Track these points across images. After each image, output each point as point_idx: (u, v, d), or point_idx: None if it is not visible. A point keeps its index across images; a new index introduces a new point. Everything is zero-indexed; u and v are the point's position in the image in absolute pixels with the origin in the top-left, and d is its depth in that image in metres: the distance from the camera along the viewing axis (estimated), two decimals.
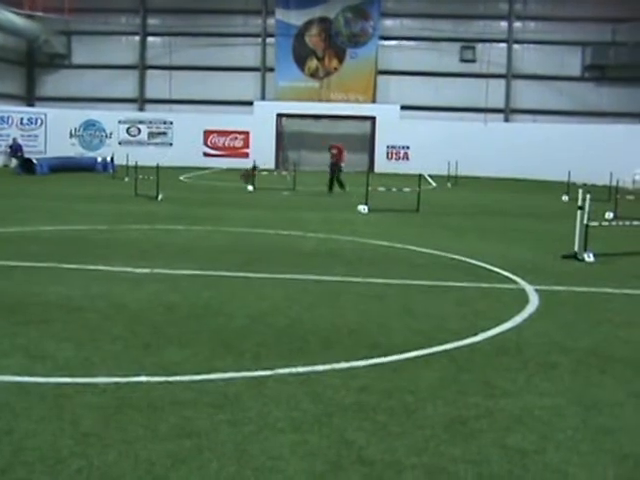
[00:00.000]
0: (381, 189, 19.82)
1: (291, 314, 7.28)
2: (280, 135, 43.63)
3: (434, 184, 31.17)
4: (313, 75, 44.18)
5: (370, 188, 18.64)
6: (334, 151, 24.79)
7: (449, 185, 30.57)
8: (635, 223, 13.23)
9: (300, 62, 44.02)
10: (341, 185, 23.91)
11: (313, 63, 44.13)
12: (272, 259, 10.63)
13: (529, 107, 42.87)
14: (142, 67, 45.73)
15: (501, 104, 43.47)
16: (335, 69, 43.99)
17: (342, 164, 24.40)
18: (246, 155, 41.95)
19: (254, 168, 24.27)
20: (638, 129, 37.35)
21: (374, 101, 43.65)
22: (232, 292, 8.24)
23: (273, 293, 8.26)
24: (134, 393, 4.89)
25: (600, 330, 7.05)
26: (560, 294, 8.78)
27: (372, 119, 42.37)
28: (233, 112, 43.34)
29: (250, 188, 24.53)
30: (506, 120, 43.41)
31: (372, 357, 5.87)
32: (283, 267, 9.93)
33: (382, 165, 41.47)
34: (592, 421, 4.69)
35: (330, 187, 24.14)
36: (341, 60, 43.90)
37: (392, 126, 41.37)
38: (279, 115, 43.08)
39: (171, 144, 43.61)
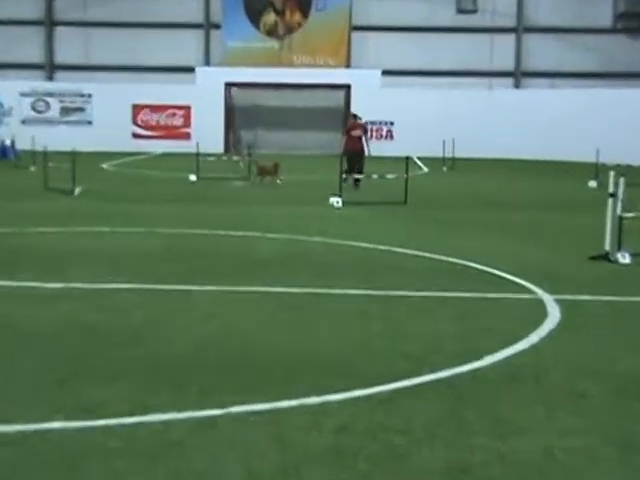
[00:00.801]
0: (358, 176, 19.87)
1: (247, 337, 7.25)
2: (230, 110, 43.58)
3: (426, 169, 31.37)
4: (270, 33, 44.22)
5: (344, 176, 18.66)
6: (358, 132, 23.11)
7: (445, 170, 30.79)
8: None
9: (254, 16, 44.05)
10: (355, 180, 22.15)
11: (270, 17, 44.19)
12: (222, 267, 10.61)
13: (545, 69, 43.29)
14: (49, 23, 45.43)
15: (510, 66, 43.86)
16: (298, 25, 44.09)
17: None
18: (187, 136, 41.89)
19: (276, 165, 23.49)
20: None
21: (348, 65, 43.80)
22: (171, 311, 8.20)
23: (224, 311, 8.23)
24: (46, 443, 4.84)
25: None
26: (587, 305, 8.87)
27: (346, 88, 42.50)
28: (169, 81, 43.25)
29: (193, 178, 24.48)
30: (516, 86, 43.81)
31: (351, 389, 5.86)
32: (236, 277, 9.91)
33: None
34: (632, 465, 4.72)
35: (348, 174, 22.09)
36: (305, 13, 44.01)
37: (372, 97, 41.52)
38: (228, 84, 43.04)
39: (90, 122, 43.35)
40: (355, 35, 43.90)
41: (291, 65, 43.41)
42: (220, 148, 41.29)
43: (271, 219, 15.73)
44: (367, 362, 6.59)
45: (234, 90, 43.68)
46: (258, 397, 5.65)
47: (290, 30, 44.06)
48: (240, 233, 13.73)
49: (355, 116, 24.25)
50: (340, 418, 5.32)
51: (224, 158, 31.63)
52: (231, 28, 43.87)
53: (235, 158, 30.84)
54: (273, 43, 44.17)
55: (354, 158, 22.30)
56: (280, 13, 44.04)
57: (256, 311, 8.26)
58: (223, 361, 6.54)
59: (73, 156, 20.16)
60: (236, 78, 42.46)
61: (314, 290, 9.32)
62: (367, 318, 8.08)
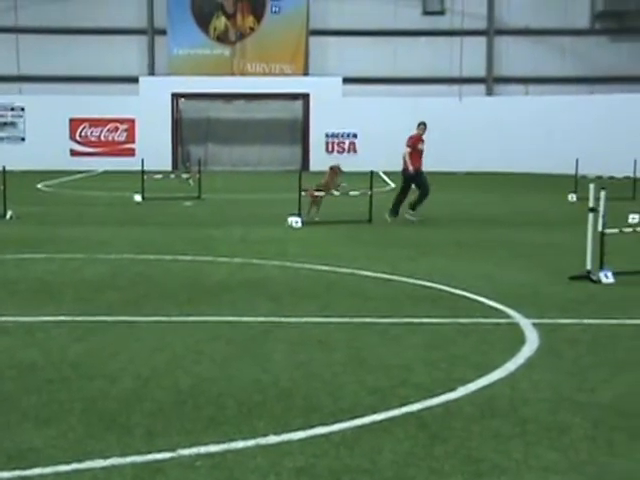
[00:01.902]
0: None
1: (198, 371, 7.22)
2: (178, 123, 43.52)
3: (392, 184, 31.49)
4: (221, 39, 44.29)
5: (304, 193, 18.70)
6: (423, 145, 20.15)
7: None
8: None
9: (202, 21, 44.09)
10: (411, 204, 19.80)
11: (220, 22, 44.27)
12: (169, 295, 10.57)
13: (519, 74, 43.73)
14: None
15: (481, 71, 44.27)
16: (251, 30, 44.20)
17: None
18: (131, 152, 41.75)
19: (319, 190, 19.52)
20: None
21: (306, 73, 43.96)
22: (113, 344, 8.14)
23: (171, 343, 8.19)
24: None
25: (625, 378, 7.18)
26: (568, 329, 8.94)
27: (305, 97, 42.63)
28: (110, 92, 43.12)
29: (138, 198, 24.38)
30: (489, 93, 44.21)
31: (312, 427, 5.86)
32: (185, 306, 9.87)
33: (320, 160, 41.61)
34: None
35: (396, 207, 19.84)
36: (259, 17, 44.16)
37: (332, 107, 41.70)
38: (175, 95, 43.02)
39: (23, 139, 43.05)
40: (313, 40, 44.07)
41: (244, 73, 43.47)
42: (168, 165, 41.18)
43: (224, 242, 15.70)
44: (329, 397, 6.57)
45: (182, 101, 43.63)
46: (209, 438, 5.61)
47: (242, 35, 44.13)
48: (190, 258, 13.69)
49: (425, 125, 20.34)
50: (300, 459, 5.30)
51: (172, 176, 31.54)
52: (177, 34, 43.84)
53: (184, 176, 30.77)
54: (224, 50, 44.20)
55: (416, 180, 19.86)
56: (231, 17, 44.11)
57: (207, 343, 8.21)
58: (171, 399, 6.49)
59: (4, 176, 19.99)
60: (184, 88, 42.42)
61: (271, 318, 9.30)
62: (329, 348, 8.08)
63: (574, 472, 5.17)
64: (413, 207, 19.44)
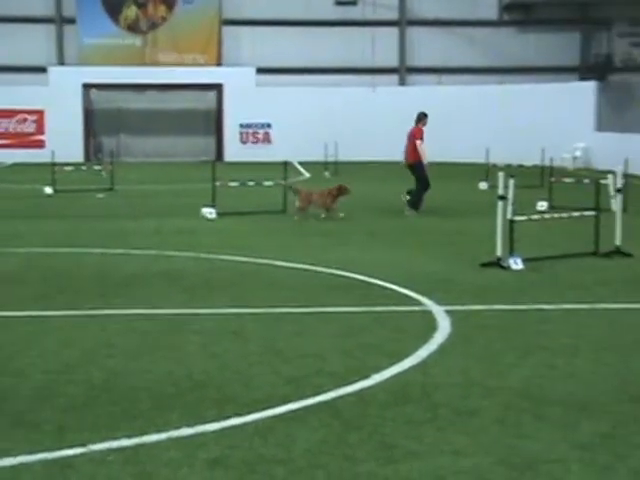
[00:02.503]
0: (233, 184, 19.86)
1: (110, 365, 7.17)
2: (89, 114, 42.92)
3: (307, 174, 31.54)
4: (132, 28, 43.74)
5: (218, 184, 18.63)
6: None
7: (327, 175, 31.00)
8: (575, 214, 13.87)
9: (113, 10, 43.51)
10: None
11: (131, 11, 43.73)
12: (80, 289, 10.46)
13: (431, 64, 44.12)
14: None
15: (394, 62, 44.55)
16: (163, 19, 43.77)
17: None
18: (40, 144, 40.97)
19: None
20: (577, 88, 39.13)
21: (220, 63, 43.70)
22: (23, 340, 8.03)
23: (82, 337, 8.11)
24: None
25: (533, 361, 7.34)
26: (479, 315, 9.08)
27: (218, 88, 42.42)
28: (18, 83, 42.24)
29: (48, 190, 23.99)
30: (402, 83, 44.52)
31: (226, 418, 5.85)
32: (96, 299, 9.78)
33: (234, 151, 41.59)
34: None
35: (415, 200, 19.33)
36: (171, 6, 43.74)
37: (246, 97, 41.57)
38: (86, 86, 42.37)
39: None
40: (226, 30, 43.82)
41: (156, 64, 43.02)
42: (79, 157, 40.55)
43: (137, 234, 15.56)
44: (244, 387, 6.58)
45: (93, 92, 43.01)
46: (122, 432, 5.57)
47: (154, 25, 43.67)
48: (102, 250, 13.54)
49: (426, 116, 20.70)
50: (214, 450, 5.30)
51: (84, 168, 31.11)
52: (87, 23, 43.18)
53: (96, 167, 30.37)
54: (135, 39, 43.67)
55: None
56: (142, 6, 43.58)
57: (120, 336, 8.15)
58: (82, 394, 6.42)
59: None
60: (95, 78, 41.80)
61: (185, 310, 9.28)
62: (244, 339, 8.08)
63: (484, 454, 5.26)
64: (415, 205, 19.18)
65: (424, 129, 20.10)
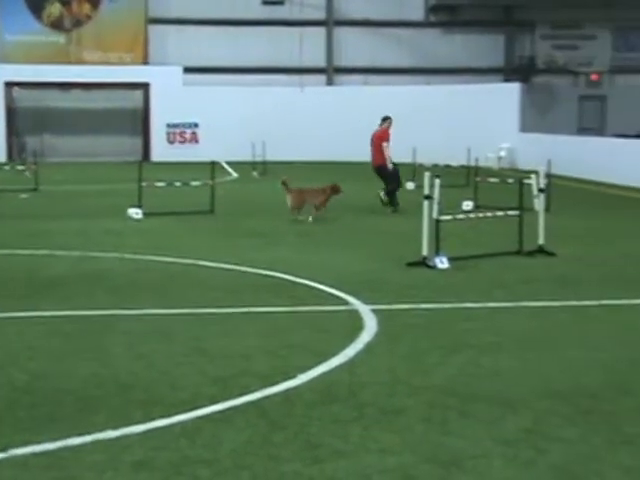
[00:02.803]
0: (160, 184, 19.73)
1: (33, 368, 7.08)
2: (12, 113, 42.24)
3: (235, 174, 31.48)
4: (56, 26, 43.16)
5: (145, 184, 18.49)
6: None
7: (255, 175, 30.98)
8: (499, 214, 14.06)
9: (35, 6, 42.87)
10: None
11: (55, 8, 43.15)
12: (3, 291, 10.30)
13: (359, 65, 44.30)
14: None
15: (321, 62, 44.64)
16: (88, 17, 43.27)
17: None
18: None
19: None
20: (502, 89, 39.63)
21: (146, 62, 43.35)
22: None
23: (5, 339, 8.01)
24: None
25: (457, 359, 7.43)
26: (405, 315, 9.15)
27: (144, 87, 42.08)
28: None
29: None
30: (329, 83, 44.63)
31: (151, 419, 5.83)
32: (20, 301, 9.65)
33: (161, 151, 41.26)
34: None
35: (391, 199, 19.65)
36: (95, 4, 43.25)
37: (173, 97, 41.27)
38: (8, 84, 41.69)
39: None
40: (153, 29, 43.49)
41: (81, 62, 42.51)
42: (1, 156, 39.90)
43: (62, 234, 15.35)
44: (170, 388, 6.56)
45: (16, 90, 42.34)
46: (45, 436, 5.51)
47: (78, 23, 43.15)
48: (26, 252, 13.34)
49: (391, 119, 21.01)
50: (139, 452, 5.28)
51: (7, 168, 30.63)
52: (9, 20, 42.48)
53: (20, 167, 29.90)
54: (59, 37, 43.07)
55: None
56: (66, 4, 43.02)
57: (44, 338, 8.06)
58: (4, 397, 6.34)
59: None
60: (18, 76, 41.11)
61: (110, 311, 9.20)
62: (170, 339, 8.05)
63: (409, 452, 5.31)
64: (393, 204, 19.36)
65: (390, 131, 20.21)
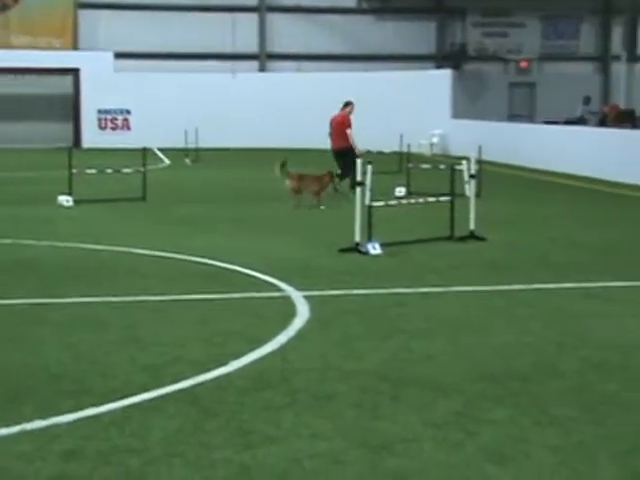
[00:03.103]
0: (91, 171, 19.49)
1: None
2: None
3: (167, 161, 31.26)
4: None
5: (75, 171, 18.26)
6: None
7: (188, 162, 30.82)
8: (431, 199, 14.15)
9: None
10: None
11: None
12: None
13: (291, 51, 44.22)
14: None
15: (254, 48, 44.48)
16: (15, 1, 42.54)
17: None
18: None
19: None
20: (434, 76, 39.88)
21: (76, 47, 42.80)
22: None
23: None
24: None
25: (390, 345, 7.47)
26: (337, 300, 9.18)
27: (75, 72, 41.53)
28: None
29: None
30: (262, 69, 44.50)
31: (80, 409, 5.78)
32: None
33: (93, 138, 40.78)
34: (382, 466, 4.95)
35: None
36: None
37: (104, 82, 40.80)
38: None
39: None
40: (83, 13, 42.91)
41: (9, 47, 41.81)
42: None
43: None
44: (101, 377, 6.51)
45: None
46: None
47: (5, 7, 42.35)
48: None
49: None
50: (68, 442, 5.22)
51: None
52: None
53: None
54: None
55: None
56: None
57: None
58: None
59: None
60: None
61: (40, 300, 9.09)
62: (101, 328, 7.97)
63: (340, 437, 5.33)
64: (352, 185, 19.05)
65: (351, 117, 20.42)
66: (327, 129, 21.14)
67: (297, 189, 17.36)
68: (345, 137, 19.86)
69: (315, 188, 17.44)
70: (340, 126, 20.11)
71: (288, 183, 17.46)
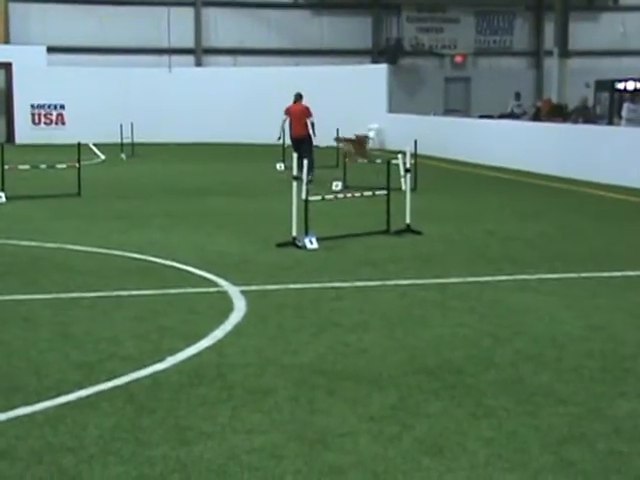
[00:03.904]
0: (24, 167, 19.22)
1: None
2: None
3: (103, 156, 30.97)
4: None
5: (8, 167, 18.00)
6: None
7: (123, 157, 30.55)
8: (367, 193, 14.19)
9: None
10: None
11: None
12: None
13: (228, 45, 44.09)
14: None
15: (190, 42, 44.24)
16: None
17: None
18: None
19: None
20: (370, 70, 40.03)
21: (7, 41, 42.20)
22: None
23: None
24: None
25: (326, 338, 7.49)
26: (274, 295, 9.18)
27: (7, 67, 40.95)
28: None
29: None
30: (198, 64, 44.28)
31: (13, 408, 5.71)
32: None
33: (26, 133, 40.21)
34: (318, 460, 4.96)
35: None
36: None
37: (37, 77, 40.27)
38: None
39: None
40: (14, 7, 42.29)
41: None
42: None
43: None
44: (34, 375, 6.43)
45: None
46: None
47: None
48: None
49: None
50: (1, 442, 5.16)
51: None
52: None
53: None
54: None
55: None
56: None
57: None
58: None
59: None
60: None
61: None
62: (34, 325, 7.89)
63: (277, 431, 5.34)
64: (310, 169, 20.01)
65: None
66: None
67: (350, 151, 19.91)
68: (305, 125, 21.57)
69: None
70: (301, 115, 21.89)
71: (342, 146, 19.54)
